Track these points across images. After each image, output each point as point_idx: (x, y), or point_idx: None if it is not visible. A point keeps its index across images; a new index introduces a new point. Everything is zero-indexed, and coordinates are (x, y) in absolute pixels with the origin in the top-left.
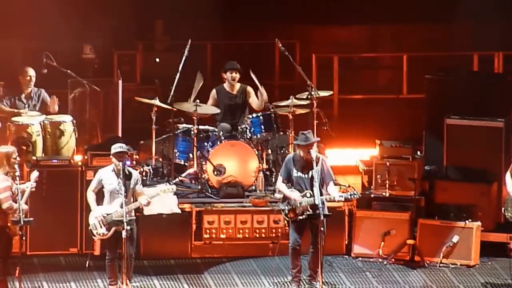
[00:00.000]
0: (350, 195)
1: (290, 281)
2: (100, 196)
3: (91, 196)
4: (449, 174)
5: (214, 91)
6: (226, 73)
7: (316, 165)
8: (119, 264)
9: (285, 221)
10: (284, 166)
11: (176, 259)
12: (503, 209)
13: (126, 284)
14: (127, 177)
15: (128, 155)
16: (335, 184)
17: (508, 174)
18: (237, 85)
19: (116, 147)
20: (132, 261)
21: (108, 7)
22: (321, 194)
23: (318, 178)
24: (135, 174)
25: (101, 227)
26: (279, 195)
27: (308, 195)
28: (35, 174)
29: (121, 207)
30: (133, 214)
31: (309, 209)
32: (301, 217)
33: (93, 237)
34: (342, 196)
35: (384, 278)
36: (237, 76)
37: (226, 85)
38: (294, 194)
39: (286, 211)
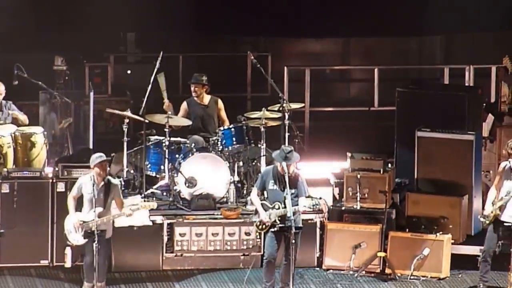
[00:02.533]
0: (313, 205)
1: None
2: (80, 202)
3: (71, 202)
4: (420, 186)
5: (185, 103)
6: (191, 86)
7: (292, 179)
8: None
9: (257, 233)
10: (260, 178)
11: (147, 272)
12: (480, 218)
13: (101, 283)
14: (107, 186)
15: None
16: (307, 197)
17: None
18: (207, 97)
19: (97, 157)
20: (106, 265)
21: (80, 19)
22: (287, 208)
23: (293, 192)
24: (115, 182)
25: (76, 233)
26: (251, 207)
27: (276, 206)
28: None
29: (99, 217)
30: (111, 223)
31: (277, 221)
32: (273, 229)
33: (67, 242)
34: (305, 206)
35: None
36: (202, 90)
37: (194, 96)
38: (261, 214)
39: (257, 223)
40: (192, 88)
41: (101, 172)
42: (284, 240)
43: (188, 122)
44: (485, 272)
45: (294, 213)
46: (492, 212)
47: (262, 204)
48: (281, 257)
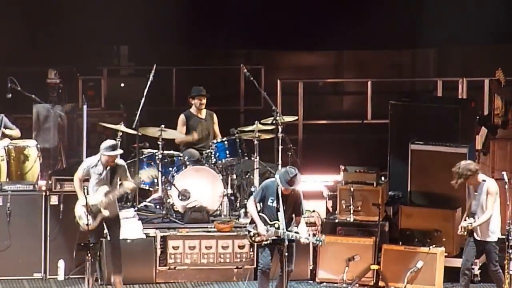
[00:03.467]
0: (316, 240)
1: None
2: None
3: (78, 184)
4: (413, 199)
5: (183, 116)
6: (194, 99)
7: (292, 198)
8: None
9: (250, 243)
10: (261, 190)
11: (141, 284)
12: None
13: (118, 275)
14: (114, 168)
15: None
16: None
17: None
18: (204, 110)
19: (110, 148)
20: (120, 249)
21: (74, 33)
22: (289, 226)
23: (291, 211)
24: (121, 163)
25: (87, 218)
26: (244, 220)
27: (276, 225)
28: None
29: (105, 195)
30: (116, 202)
31: (274, 236)
32: (265, 242)
33: (80, 228)
34: (307, 239)
35: None
36: (204, 102)
37: (193, 110)
38: (259, 226)
39: (252, 234)
40: (197, 101)
41: (109, 162)
42: (278, 251)
43: (181, 136)
44: (464, 286)
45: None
46: (464, 227)
47: (260, 217)
48: (275, 269)
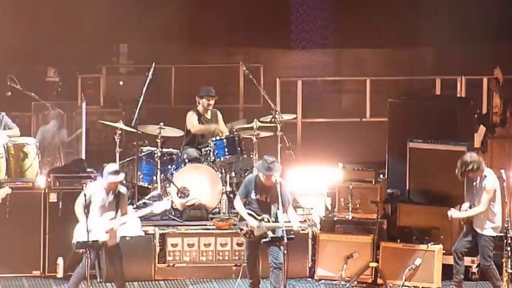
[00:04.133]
0: (309, 225)
1: None
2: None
3: (80, 210)
4: (412, 197)
5: (194, 114)
6: (203, 99)
7: (275, 189)
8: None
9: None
10: (244, 186)
11: (140, 282)
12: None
13: None
14: (116, 194)
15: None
16: (297, 207)
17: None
18: (208, 110)
19: (113, 174)
20: (122, 277)
21: (73, 31)
22: (279, 218)
23: (277, 201)
24: (124, 192)
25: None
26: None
27: (265, 219)
28: (6, 190)
29: (110, 221)
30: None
31: (270, 233)
32: (265, 240)
33: (77, 251)
34: (300, 227)
35: None
36: (212, 103)
37: (200, 109)
38: (251, 221)
39: (244, 231)
40: (205, 101)
41: (112, 187)
42: (269, 247)
43: (180, 133)
44: (456, 273)
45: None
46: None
47: (249, 214)
48: (264, 265)
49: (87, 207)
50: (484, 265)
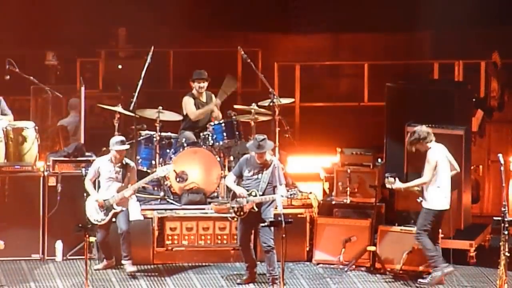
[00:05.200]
0: (291, 194)
1: (246, 279)
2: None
3: (89, 185)
4: (410, 181)
5: (190, 99)
6: (195, 82)
7: (268, 167)
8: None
9: (235, 219)
10: (238, 165)
11: (138, 265)
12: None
13: (130, 260)
14: (124, 166)
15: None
16: (292, 188)
17: None
18: (204, 93)
19: (117, 143)
20: (130, 237)
21: (72, 14)
22: (277, 202)
23: (268, 179)
24: (132, 165)
25: (98, 213)
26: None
27: (253, 194)
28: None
29: (117, 191)
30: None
31: (255, 208)
32: (263, 224)
33: (90, 224)
34: (282, 196)
35: (345, 285)
36: (205, 85)
37: (195, 93)
38: (239, 190)
39: (235, 209)
40: (196, 84)
41: (118, 156)
42: (255, 227)
43: (178, 117)
44: (419, 244)
45: (267, 203)
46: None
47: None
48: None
49: (95, 180)
50: (416, 234)
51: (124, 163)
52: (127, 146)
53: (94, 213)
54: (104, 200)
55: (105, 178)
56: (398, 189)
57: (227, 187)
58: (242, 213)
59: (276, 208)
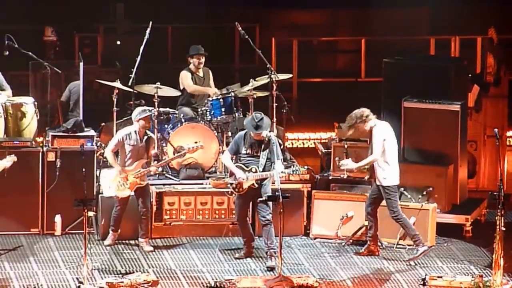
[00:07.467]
0: (293, 171)
1: (244, 254)
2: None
3: (111, 156)
4: (406, 156)
5: (188, 73)
6: (193, 58)
7: (265, 144)
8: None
9: (233, 195)
10: (234, 142)
11: (137, 240)
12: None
13: (147, 239)
14: (147, 139)
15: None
16: (290, 165)
17: None
18: (201, 69)
19: (143, 111)
20: (149, 214)
21: None
22: (274, 177)
23: (267, 155)
24: (153, 137)
25: (119, 186)
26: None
27: (253, 170)
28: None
29: (142, 166)
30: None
31: (255, 184)
32: (261, 199)
33: (111, 196)
34: (284, 172)
35: (342, 259)
36: (203, 60)
37: (192, 68)
38: (238, 173)
39: (234, 185)
40: (195, 59)
41: (146, 124)
42: (253, 202)
43: (176, 93)
44: (369, 228)
45: (266, 178)
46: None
47: (237, 166)
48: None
49: (117, 152)
50: (392, 216)
51: (147, 136)
52: (151, 112)
53: (119, 186)
54: (129, 174)
55: (129, 150)
56: (351, 170)
57: (223, 164)
58: (241, 189)
59: (274, 183)
